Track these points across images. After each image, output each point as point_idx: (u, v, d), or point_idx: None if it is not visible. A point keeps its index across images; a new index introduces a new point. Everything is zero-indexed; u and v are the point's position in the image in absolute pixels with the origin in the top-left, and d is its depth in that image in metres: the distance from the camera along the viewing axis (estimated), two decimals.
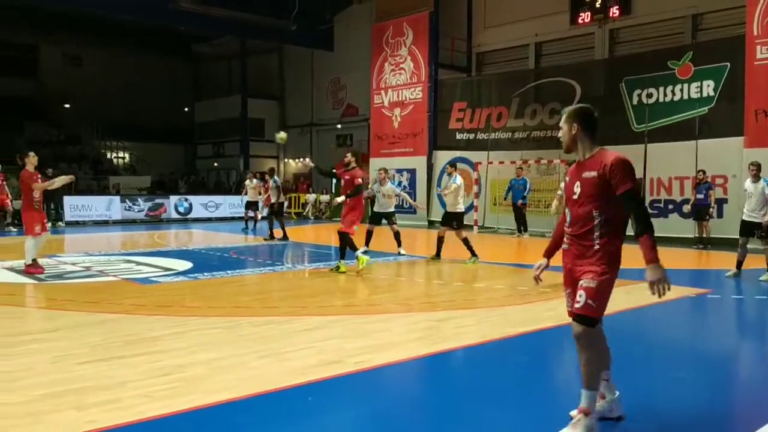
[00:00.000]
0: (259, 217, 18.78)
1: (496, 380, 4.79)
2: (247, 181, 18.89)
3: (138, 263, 11.10)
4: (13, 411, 3.85)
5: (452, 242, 11.64)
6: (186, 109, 36.61)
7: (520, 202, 17.34)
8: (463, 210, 11.47)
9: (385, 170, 13.58)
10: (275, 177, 16.50)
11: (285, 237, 15.45)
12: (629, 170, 3.54)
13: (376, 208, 12.97)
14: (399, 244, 12.56)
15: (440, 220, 12.55)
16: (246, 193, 18.81)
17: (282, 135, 11.25)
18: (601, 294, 3.52)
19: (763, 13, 14.40)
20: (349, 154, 10.89)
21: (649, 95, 16.83)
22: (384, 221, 12.73)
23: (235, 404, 4.03)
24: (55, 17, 26.52)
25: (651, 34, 18.65)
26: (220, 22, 24.26)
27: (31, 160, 9.98)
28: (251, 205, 18.76)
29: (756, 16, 14.51)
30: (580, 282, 3.57)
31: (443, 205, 12.56)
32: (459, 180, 11.37)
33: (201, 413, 3.89)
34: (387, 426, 3.90)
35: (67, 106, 31.94)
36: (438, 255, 11.52)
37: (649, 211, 16.01)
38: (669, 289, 3.42)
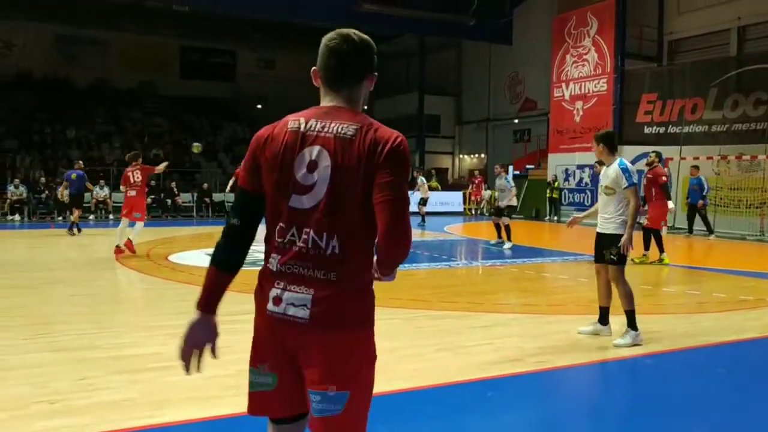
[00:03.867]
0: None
1: (683, 393, 4.43)
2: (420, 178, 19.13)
3: None
4: (218, 383, 4.24)
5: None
6: (365, 107, 37.98)
7: (700, 202, 15.68)
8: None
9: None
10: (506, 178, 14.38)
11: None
12: None
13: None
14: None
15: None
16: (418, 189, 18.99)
17: (196, 145, 12.40)
18: None
19: None
20: (652, 154, 11.09)
21: None
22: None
23: (413, 393, 4.11)
24: (250, 24, 28.76)
25: None
26: (401, 21, 24.85)
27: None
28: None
29: None
30: None
31: None
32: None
33: (380, 399, 4.00)
34: (563, 428, 3.77)
35: (259, 106, 34.53)
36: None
37: None
38: None
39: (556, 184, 22.28)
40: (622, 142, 20.60)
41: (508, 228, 13.11)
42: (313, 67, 2.06)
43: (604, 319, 5.82)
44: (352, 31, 2.02)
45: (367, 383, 1.97)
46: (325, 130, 1.94)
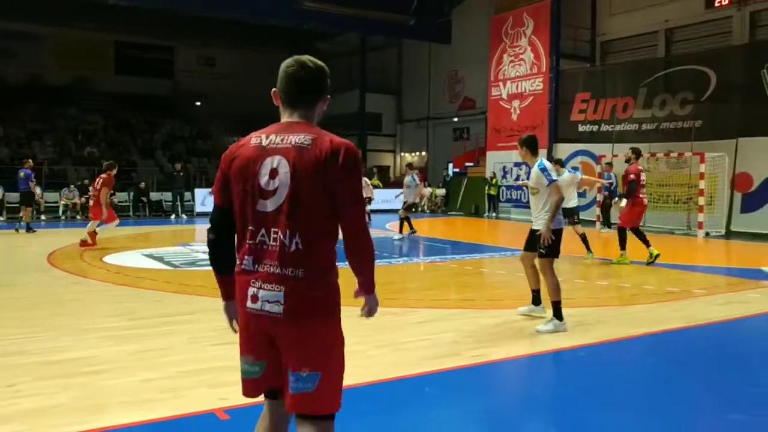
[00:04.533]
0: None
1: (614, 381, 4.62)
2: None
3: None
4: (155, 386, 4.19)
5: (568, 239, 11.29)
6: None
7: (611, 197, 15.95)
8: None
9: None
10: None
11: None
12: None
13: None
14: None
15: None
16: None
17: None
18: None
19: None
20: (629, 151, 10.82)
21: None
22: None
23: (351, 391, 4.14)
24: (189, 20, 28.17)
25: None
26: (342, 20, 24.84)
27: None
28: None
29: None
30: None
31: None
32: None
33: None
34: (501, 421, 3.88)
35: (198, 104, 33.90)
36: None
37: None
38: None
39: (495, 181, 22.73)
40: (558, 140, 21.26)
41: (407, 220, 14.24)
42: (273, 89, 2.39)
43: (536, 300, 6.38)
44: (308, 59, 2.35)
45: (337, 364, 2.28)
46: (284, 142, 2.24)
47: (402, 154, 33.39)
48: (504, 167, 22.94)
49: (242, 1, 22.51)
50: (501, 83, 23.04)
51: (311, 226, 2.18)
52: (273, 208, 2.20)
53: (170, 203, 21.82)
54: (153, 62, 33.74)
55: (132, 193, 22.21)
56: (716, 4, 18.39)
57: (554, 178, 6.02)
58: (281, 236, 2.18)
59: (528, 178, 6.35)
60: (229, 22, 27.16)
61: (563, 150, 20.86)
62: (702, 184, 15.64)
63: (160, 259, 10.46)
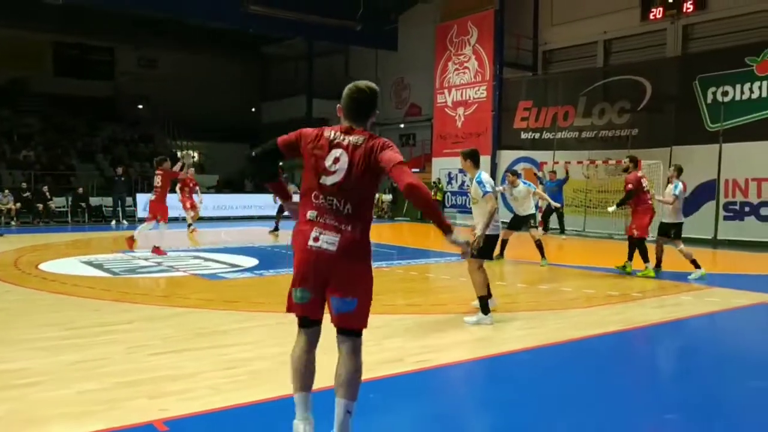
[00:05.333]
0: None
1: (556, 384, 4.74)
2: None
3: (206, 259, 11.45)
4: (92, 397, 4.07)
5: (516, 243, 11.52)
6: (253, 110, 37.43)
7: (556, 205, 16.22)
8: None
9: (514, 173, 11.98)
10: None
11: None
12: None
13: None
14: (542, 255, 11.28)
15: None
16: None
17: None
18: None
19: None
20: (626, 159, 10.41)
21: (725, 93, 16.21)
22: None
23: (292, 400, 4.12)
24: (131, 22, 27.53)
25: (727, 29, 17.89)
26: (288, 24, 24.71)
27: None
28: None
29: None
30: None
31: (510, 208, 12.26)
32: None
33: (265, 406, 4.01)
34: (445, 425, 3.93)
35: (141, 107, 33.12)
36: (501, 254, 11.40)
37: (724, 213, 15.57)
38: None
39: (440, 186, 22.98)
40: (501, 147, 21.65)
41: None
42: (338, 104, 3.29)
43: (485, 309, 6.51)
44: (365, 85, 3.28)
45: (369, 293, 3.26)
46: (345, 140, 3.22)
47: None
48: (449, 173, 23.21)
49: (186, 2, 22.15)
50: (446, 90, 23.32)
51: (357, 198, 3.18)
52: (332, 182, 3.18)
53: (110, 209, 21.25)
54: (93, 64, 32.74)
55: (70, 198, 21.51)
56: (651, 17, 19.07)
57: (488, 190, 6.49)
58: (337, 202, 3.17)
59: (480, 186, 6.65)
60: (171, 22, 26.63)
61: (506, 157, 21.27)
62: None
63: (99, 266, 10.17)
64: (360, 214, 3.18)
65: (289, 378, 3.40)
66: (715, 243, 15.05)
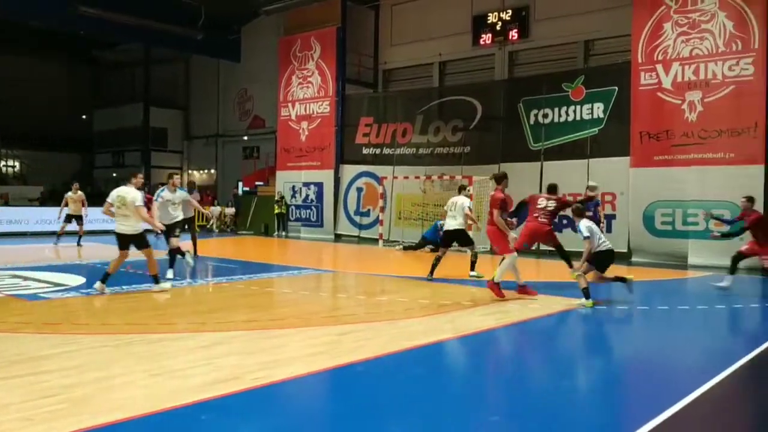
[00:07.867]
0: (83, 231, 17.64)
1: (392, 394, 4.91)
2: (70, 193, 17.59)
3: (26, 278, 10.54)
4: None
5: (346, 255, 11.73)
6: (84, 117, 35.10)
7: None
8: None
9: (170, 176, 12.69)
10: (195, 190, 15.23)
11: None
12: None
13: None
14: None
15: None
16: (66, 205, 17.39)
17: None
18: None
19: (647, 42, 15.49)
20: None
21: (545, 115, 17.68)
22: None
23: (123, 425, 3.93)
24: None
25: (547, 57, 19.63)
26: (124, 28, 23.50)
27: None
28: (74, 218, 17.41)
29: (640, 44, 15.59)
30: None
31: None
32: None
33: None
34: None
35: None
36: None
37: None
38: None
39: (284, 200, 22.89)
40: (344, 161, 22.03)
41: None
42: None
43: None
44: None
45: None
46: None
47: (190, 171, 32.24)
48: (293, 186, 23.18)
49: (12, 1, 20.42)
50: (290, 104, 23.33)
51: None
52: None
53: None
54: None
55: None
56: (481, 43, 20.39)
57: (587, 235, 8.74)
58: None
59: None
60: None
61: (348, 171, 21.68)
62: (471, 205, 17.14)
63: None
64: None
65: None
66: (538, 253, 16.29)
